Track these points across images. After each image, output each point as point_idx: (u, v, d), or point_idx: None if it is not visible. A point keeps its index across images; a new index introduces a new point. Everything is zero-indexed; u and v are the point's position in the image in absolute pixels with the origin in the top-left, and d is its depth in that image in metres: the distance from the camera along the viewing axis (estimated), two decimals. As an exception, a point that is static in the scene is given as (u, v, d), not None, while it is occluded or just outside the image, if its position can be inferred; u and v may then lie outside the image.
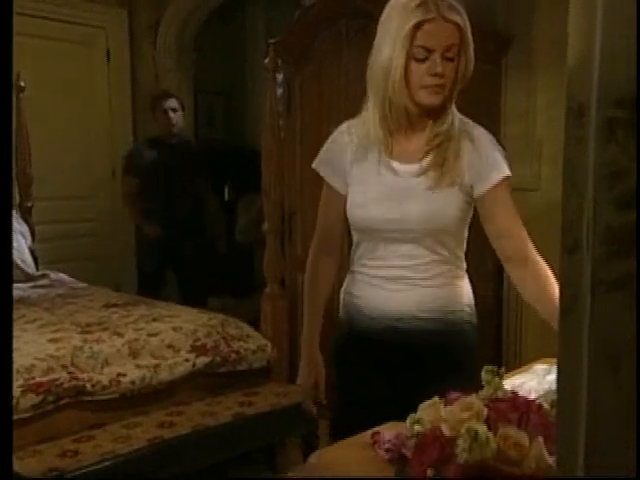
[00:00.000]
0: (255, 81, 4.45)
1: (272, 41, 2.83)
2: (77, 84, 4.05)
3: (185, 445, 1.91)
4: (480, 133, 1.33)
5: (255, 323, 2.52)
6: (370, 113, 1.29)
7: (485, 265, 2.78)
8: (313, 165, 1.38)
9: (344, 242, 1.46)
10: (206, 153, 3.99)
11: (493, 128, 2.89)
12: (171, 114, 3.71)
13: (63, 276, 3.30)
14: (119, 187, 4.03)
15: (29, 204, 3.48)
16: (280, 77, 2.67)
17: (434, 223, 1.28)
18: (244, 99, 4.61)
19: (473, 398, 0.72)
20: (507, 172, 1.32)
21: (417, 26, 1.17)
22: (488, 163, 1.30)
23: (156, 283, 3.84)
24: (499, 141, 2.78)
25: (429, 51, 1.20)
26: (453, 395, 0.76)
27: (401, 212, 1.26)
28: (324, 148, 1.37)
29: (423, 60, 1.21)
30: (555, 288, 1.27)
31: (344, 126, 1.36)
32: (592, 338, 0.48)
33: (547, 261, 2.68)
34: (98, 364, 2.08)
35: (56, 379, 1.93)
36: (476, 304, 1.42)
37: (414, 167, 1.28)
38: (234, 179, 4.40)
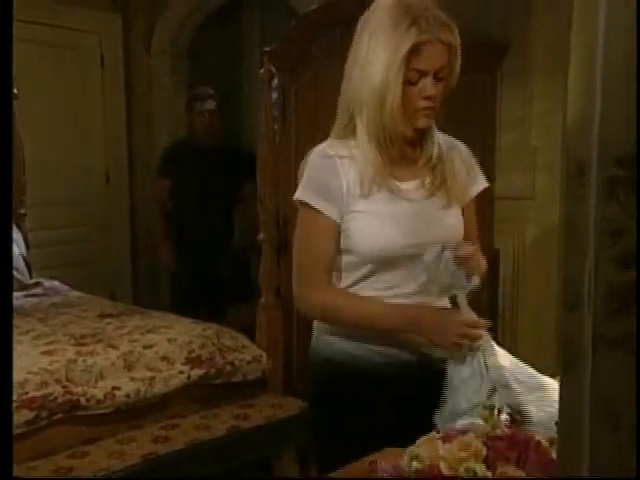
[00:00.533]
0: (251, 86, 4.43)
1: (267, 49, 2.83)
2: (70, 90, 4.03)
3: (180, 460, 1.91)
4: (462, 146, 1.35)
5: (252, 330, 2.51)
6: (362, 137, 1.22)
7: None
8: (297, 196, 1.24)
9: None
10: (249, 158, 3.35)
11: (488, 137, 2.92)
12: (207, 115, 3.59)
13: (57, 284, 3.28)
14: (150, 190, 3.89)
15: (22, 211, 3.46)
16: (275, 85, 2.66)
17: (455, 237, 1.28)
18: (240, 104, 4.59)
19: (471, 436, 0.72)
20: (486, 183, 1.36)
21: (411, 49, 1.14)
22: (472, 176, 1.33)
23: (189, 300, 3.52)
24: (494, 150, 2.83)
25: (422, 73, 1.17)
26: (451, 432, 0.76)
27: (424, 235, 1.22)
28: (310, 176, 1.23)
29: (416, 82, 1.18)
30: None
31: (327, 151, 1.24)
32: (593, 396, 0.48)
33: (542, 272, 2.70)
34: (92, 378, 2.07)
35: (50, 394, 1.92)
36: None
37: (419, 191, 1.26)
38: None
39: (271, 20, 4.38)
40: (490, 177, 2.83)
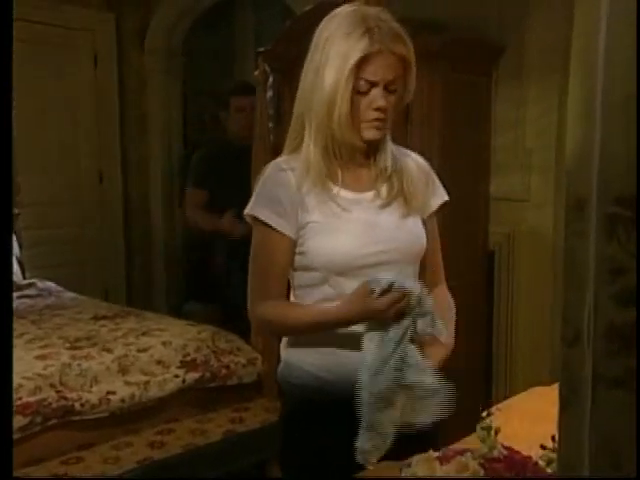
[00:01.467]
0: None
1: (262, 50, 2.82)
2: (63, 88, 4.01)
3: (176, 465, 1.90)
4: (420, 158, 1.34)
5: (249, 331, 2.50)
6: (308, 145, 1.19)
7: (475, 277, 2.78)
8: (249, 211, 1.21)
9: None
10: None
11: (484, 138, 2.92)
12: (248, 111, 2.95)
13: (50, 285, 3.27)
14: (186, 201, 3.29)
15: (15, 211, 3.45)
16: (270, 85, 2.65)
17: (415, 250, 1.26)
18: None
19: (468, 458, 0.72)
20: (446, 197, 1.34)
21: (362, 58, 1.13)
22: (432, 188, 1.32)
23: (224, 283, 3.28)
24: (490, 151, 2.83)
25: (372, 84, 1.16)
26: (449, 452, 0.75)
27: (385, 243, 1.21)
28: (262, 191, 1.21)
29: (365, 93, 1.16)
30: (451, 313, 1.31)
31: (280, 164, 1.22)
32: (593, 433, 0.47)
33: (537, 274, 2.70)
34: (87, 382, 2.06)
35: (44, 399, 1.91)
36: (466, 331, 1.41)
37: (375, 201, 1.24)
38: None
39: (265, 19, 4.36)
40: (486, 179, 2.90)
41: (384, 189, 1.25)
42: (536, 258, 2.73)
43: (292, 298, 1.28)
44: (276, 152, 2.81)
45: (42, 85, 3.91)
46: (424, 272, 1.31)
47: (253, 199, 1.23)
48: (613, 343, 0.47)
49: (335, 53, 1.14)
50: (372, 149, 1.25)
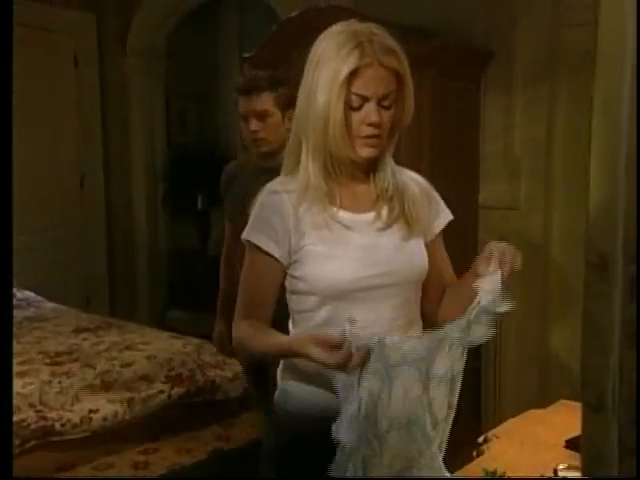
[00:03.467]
0: (229, 85, 4.37)
1: (247, 55, 2.78)
2: (43, 91, 3.93)
3: (161, 487, 1.86)
4: (422, 179, 1.33)
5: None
6: (306, 164, 1.18)
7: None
8: (244, 236, 1.21)
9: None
10: None
11: (473, 145, 2.90)
12: (253, 124, 1.91)
13: (30, 294, 3.21)
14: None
15: (-7, 218, 3.37)
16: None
17: (416, 274, 1.23)
18: (218, 104, 4.54)
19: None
20: (451, 216, 1.32)
21: (352, 72, 1.11)
22: (436, 208, 1.30)
23: None
24: (479, 159, 2.81)
25: (364, 99, 1.14)
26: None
27: (385, 265, 1.18)
28: (256, 214, 1.21)
29: (358, 108, 1.14)
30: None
31: (275, 187, 1.21)
32: (617, 507, 0.44)
33: (526, 284, 2.69)
34: (68, 400, 2.01)
35: (23, 420, 1.86)
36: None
37: (376, 223, 1.22)
38: (207, 187, 4.31)
39: (250, 21, 4.32)
40: (475, 186, 2.88)
41: (385, 211, 1.23)
42: (525, 267, 2.69)
43: (290, 323, 1.26)
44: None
45: (21, 88, 3.83)
46: (434, 293, 1.28)
47: (249, 223, 1.22)
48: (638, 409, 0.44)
49: (326, 70, 1.13)
50: (371, 168, 1.23)
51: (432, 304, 1.29)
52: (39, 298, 3.19)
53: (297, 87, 1.22)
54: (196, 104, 4.62)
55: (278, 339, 1.17)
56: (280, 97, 1.87)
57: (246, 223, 1.31)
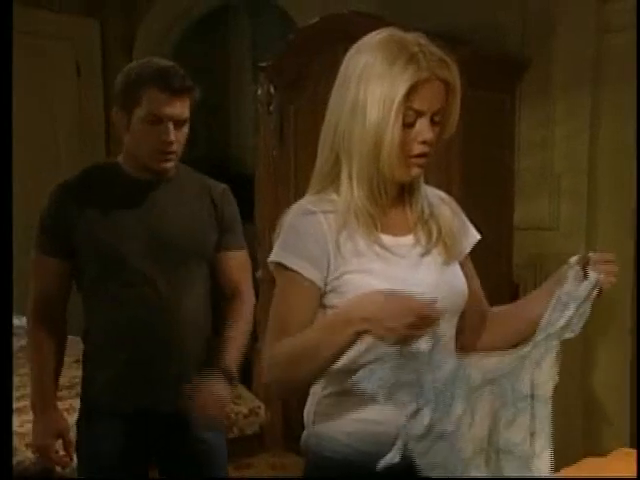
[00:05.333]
0: (241, 96, 4.38)
1: (263, 64, 2.78)
2: (43, 102, 3.96)
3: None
4: (446, 195, 1.33)
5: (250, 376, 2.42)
6: (349, 186, 1.16)
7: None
8: (275, 258, 1.17)
9: None
10: None
11: (506, 161, 2.88)
12: (171, 133, 1.67)
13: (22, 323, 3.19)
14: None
15: (-11, 239, 3.38)
16: (273, 104, 2.62)
17: (459, 302, 1.23)
18: (229, 116, 4.55)
19: None
20: (478, 236, 1.32)
21: (410, 87, 1.11)
22: (465, 228, 1.30)
23: None
24: (514, 176, 2.78)
25: (419, 114, 1.13)
26: None
27: (432, 293, 1.12)
28: (289, 236, 1.17)
29: (411, 125, 1.13)
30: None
31: (309, 207, 1.18)
32: None
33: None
34: (70, 440, 1.98)
35: (20, 462, 1.83)
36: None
37: (416, 247, 1.21)
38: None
39: (262, 27, 4.34)
40: (509, 205, 2.85)
41: (423, 235, 1.22)
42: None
43: None
44: (279, 179, 2.80)
45: (18, 99, 3.85)
46: (471, 320, 1.28)
47: (278, 245, 1.19)
48: None
49: (378, 85, 1.11)
50: (406, 188, 1.23)
51: (468, 333, 1.27)
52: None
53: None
54: (206, 116, 4.63)
55: (323, 321, 1.13)
56: (192, 104, 1.66)
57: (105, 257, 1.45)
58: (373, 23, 2.68)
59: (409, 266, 1.18)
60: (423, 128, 1.13)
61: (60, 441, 1.67)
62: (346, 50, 2.85)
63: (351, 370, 1.13)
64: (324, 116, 3.03)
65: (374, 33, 1.17)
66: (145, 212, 1.66)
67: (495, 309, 1.33)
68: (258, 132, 2.59)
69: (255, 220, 2.57)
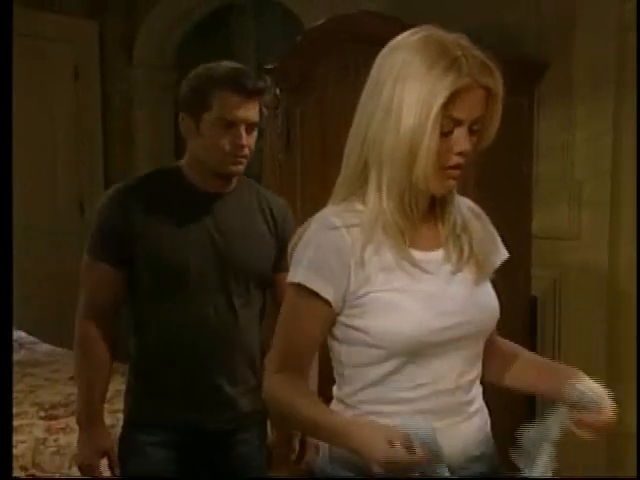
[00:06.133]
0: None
1: (269, 67, 2.76)
2: (40, 105, 3.96)
3: None
4: (477, 207, 1.29)
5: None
6: (377, 197, 1.12)
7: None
8: (296, 279, 1.13)
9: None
10: None
11: (524, 166, 2.85)
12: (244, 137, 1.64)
13: (21, 334, 3.18)
14: None
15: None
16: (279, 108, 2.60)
17: (490, 324, 1.21)
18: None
19: None
20: (507, 253, 1.30)
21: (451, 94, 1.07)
22: (495, 244, 1.27)
23: None
24: (532, 182, 2.75)
25: (457, 123, 1.09)
26: None
27: (460, 316, 1.14)
28: (311, 254, 1.13)
29: (448, 134, 1.09)
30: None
31: (333, 221, 1.13)
32: None
33: (589, 326, 2.60)
34: (65, 462, 1.98)
35: (15, 486, 1.81)
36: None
37: (446, 263, 1.18)
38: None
39: (267, 28, 4.33)
40: (527, 214, 2.82)
41: (454, 250, 1.19)
42: (588, 308, 2.63)
43: (338, 379, 1.20)
44: (285, 185, 2.77)
45: (16, 101, 3.85)
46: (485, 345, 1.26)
47: (298, 263, 1.15)
48: None
49: (415, 89, 1.07)
50: (438, 201, 1.20)
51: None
52: (32, 339, 3.17)
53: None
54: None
55: (328, 417, 1.11)
56: (261, 107, 1.70)
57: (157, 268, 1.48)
58: (384, 23, 2.68)
59: (439, 284, 1.15)
60: (460, 138, 1.09)
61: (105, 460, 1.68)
62: (355, 51, 2.83)
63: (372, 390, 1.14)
64: (332, 119, 3.01)
65: (411, 32, 1.13)
66: (210, 225, 1.65)
67: (501, 344, 1.31)
68: (263, 136, 2.58)
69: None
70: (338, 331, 1.16)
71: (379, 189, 1.13)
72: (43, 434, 2.05)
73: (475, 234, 1.20)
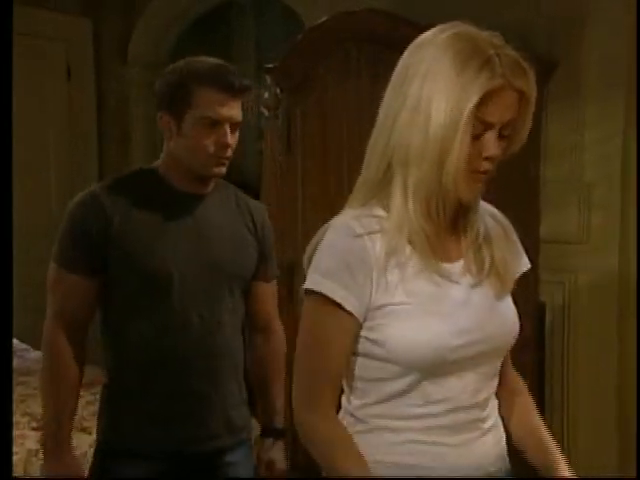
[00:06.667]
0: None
1: (270, 66, 2.75)
2: (30, 106, 3.94)
3: None
4: (499, 213, 1.26)
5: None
6: (405, 204, 1.09)
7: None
8: (316, 287, 1.10)
9: None
10: None
11: (531, 168, 2.83)
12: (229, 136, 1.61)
13: (13, 342, 3.15)
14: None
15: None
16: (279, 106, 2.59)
17: (510, 341, 1.18)
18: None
19: None
20: (529, 264, 1.27)
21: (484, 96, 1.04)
22: (518, 253, 1.24)
23: None
24: (539, 184, 2.74)
25: (487, 126, 1.06)
26: None
27: (480, 332, 1.12)
28: (331, 261, 1.10)
29: (477, 137, 1.06)
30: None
31: (354, 227, 1.10)
32: None
33: (599, 333, 2.59)
34: (58, 474, 1.93)
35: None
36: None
37: (467, 275, 1.15)
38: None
39: (267, 26, 4.33)
40: (534, 217, 2.80)
41: (474, 262, 1.16)
42: (598, 314, 2.62)
43: (348, 390, 1.17)
44: (286, 188, 2.76)
45: (7, 103, 3.85)
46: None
47: (317, 270, 1.11)
48: None
49: (445, 89, 1.04)
50: (462, 208, 1.16)
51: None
52: (23, 346, 3.14)
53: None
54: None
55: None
56: (246, 105, 1.64)
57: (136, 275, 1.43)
58: (388, 22, 2.67)
59: (460, 298, 1.12)
60: (490, 142, 1.07)
61: None
62: (358, 51, 2.82)
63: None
64: (333, 120, 3.00)
65: (439, 28, 1.10)
66: (191, 227, 1.59)
67: (510, 383, 1.27)
68: (262, 137, 2.57)
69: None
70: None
71: (404, 193, 1.10)
72: (35, 445, 2.02)
73: (496, 245, 1.18)
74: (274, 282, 1.78)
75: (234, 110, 1.55)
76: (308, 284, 1.12)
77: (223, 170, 1.59)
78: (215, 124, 1.53)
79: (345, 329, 1.10)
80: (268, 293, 1.75)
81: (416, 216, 1.09)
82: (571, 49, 2.64)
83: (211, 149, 1.53)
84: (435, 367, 1.09)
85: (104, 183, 1.63)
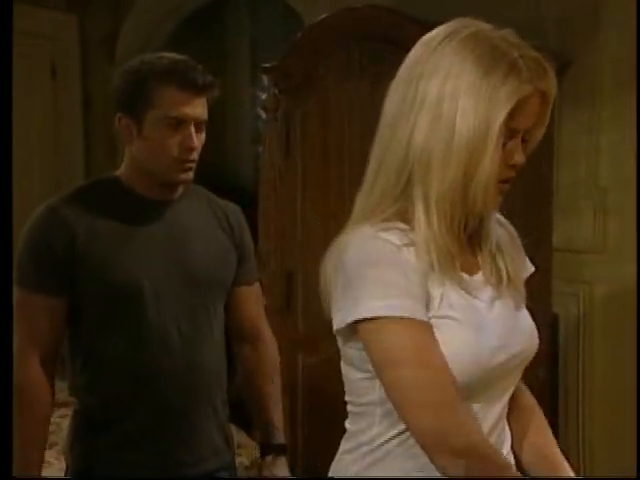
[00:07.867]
0: (239, 101, 4.39)
1: (267, 65, 2.77)
2: (15, 105, 3.93)
3: None
4: (503, 218, 1.27)
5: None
6: (429, 219, 1.06)
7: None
8: (368, 314, 1.02)
9: None
10: None
11: (543, 173, 2.84)
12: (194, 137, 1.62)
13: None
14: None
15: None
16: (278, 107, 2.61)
17: (531, 354, 1.17)
18: (225, 123, 4.54)
19: None
20: (532, 267, 1.28)
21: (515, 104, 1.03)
22: (523, 259, 1.26)
23: None
24: (552, 190, 2.75)
25: (513, 133, 1.05)
26: None
27: (509, 348, 1.10)
28: (375, 278, 1.04)
29: (503, 145, 1.05)
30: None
31: (390, 238, 1.06)
32: None
33: (617, 348, 2.60)
34: (45, 498, 1.93)
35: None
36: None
37: (487, 287, 1.15)
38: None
39: (263, 24, 4.35)
40: (547, 225, 2.81)
41: (492, 273, 1.16)
42: (614, 326, 2.63)
43: (360, 418, 1.14)
44: (285, 193, 2.77)
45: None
46: None
47: (369, 294, 1.03)
48: None
49: (470, 97, 1.02)
50: (479, 219, 1.17)
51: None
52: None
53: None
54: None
55: None
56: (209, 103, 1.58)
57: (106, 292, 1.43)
58: (392, 19, 2.69)
59: (483, 311, 1.11)
60: (515, 150, 1.06)
61: None
62: (360, 49, 2.84)
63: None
64: (334, 122, 3.01)
65: (449, 27, 1.08)
66: (162, 234, 1.57)
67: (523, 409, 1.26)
68: (258, 140, 2.58)
69: (258, 240, 2.55)
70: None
71: (427, 209, 1.07)
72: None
73: (507, 252, 1.18)
74: (257, 285, 1.77)
75: (198, 108, 1.52)
76: (361, 313, 1.04)
77: (190, 175, 1.57)
78: (179, 124, 1.50)
79: (431, 336, 1.05)
80: (252, 297, 1.74)
81: (440, 232, 1.07)
82: (585, 49, 2.66)
83: (175, 152, 1.51)
84: (465, 385, 1.06)
85: (62, 196, 1.59)
